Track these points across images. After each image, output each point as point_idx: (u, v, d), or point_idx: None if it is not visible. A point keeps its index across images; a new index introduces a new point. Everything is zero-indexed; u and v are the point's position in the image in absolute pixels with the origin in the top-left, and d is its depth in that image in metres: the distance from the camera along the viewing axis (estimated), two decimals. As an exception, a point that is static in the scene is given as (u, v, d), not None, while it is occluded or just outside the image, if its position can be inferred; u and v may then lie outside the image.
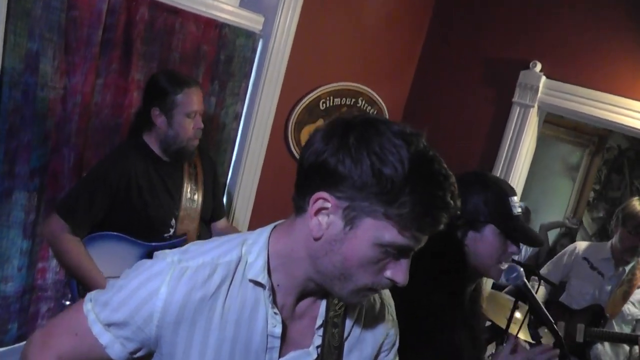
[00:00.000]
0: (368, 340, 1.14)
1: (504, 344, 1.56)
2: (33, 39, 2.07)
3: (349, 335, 1.10)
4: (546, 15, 3.27)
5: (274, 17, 2.76)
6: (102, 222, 2.10)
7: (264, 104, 2.89)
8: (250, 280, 1.00)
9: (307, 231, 0.95)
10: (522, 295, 1.56)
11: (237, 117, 2.88)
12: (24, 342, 2.35)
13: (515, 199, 1.49)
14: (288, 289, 1.03)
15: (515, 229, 1.47)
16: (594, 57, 3.10)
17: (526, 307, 2.28)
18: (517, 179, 3.41)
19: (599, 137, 5.15)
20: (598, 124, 3.17)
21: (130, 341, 1.02)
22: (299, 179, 0.97)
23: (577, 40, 3.16)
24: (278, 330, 1.02)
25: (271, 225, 1.06)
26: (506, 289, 4.35)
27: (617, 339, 2.90)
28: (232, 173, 2.99)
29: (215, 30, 2.61)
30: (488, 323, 2.83)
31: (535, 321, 1.59)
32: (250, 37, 2.76)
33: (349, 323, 1.10)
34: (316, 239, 0.94)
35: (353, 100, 3.38)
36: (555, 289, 3.04)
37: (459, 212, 0.94)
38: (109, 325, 1.02)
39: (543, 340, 1.64)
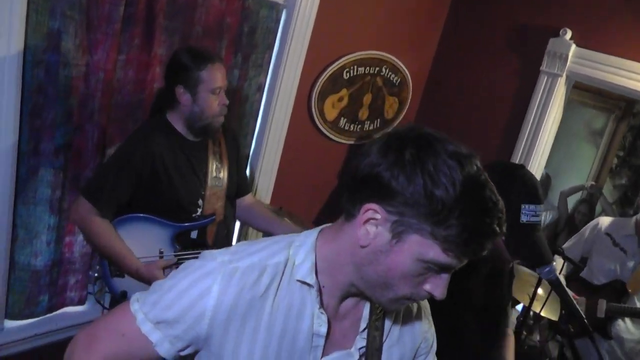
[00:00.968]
0: (406, 342, 1.17)
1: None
2: (55, 17, 2.03)
3: (387, 337, 1.13)
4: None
5: (297, -14, 2.68)
6: (129, 204, 2.10)
7: (287, 75, 2.84)
8: (298, 281, 1.03)
9: (354, 238, 0.97)
10: (554, 289, 1.55)
11: (260, 89, 2.84)
12: (54, 313, 2.47)
13: (532, 207, 1.47)
14: (332, 291, 1.06)
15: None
16: (626, 25, 2.97)
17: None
18: (542, 149, 3.36)
19: (626, 102, 5.01)
20: (629, 94, 3.07)
21: (179, 340, 1.04)
22: (351, 186, 0.98)
23: (609, 7, 3.03)
24: (324, 329, 1.05)
25: (318, 229, 1.09)
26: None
27: (638, 315, 2.90)
28: (255, 145, 2.98)
29: (238, 2, 2.54)
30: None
31: (566, 316, 1.58)
32: (273, 8, 2.68)
33: (387, 325, 1.13)
34: (362, 247, 0.97)
35: (377, 68, 3.31)
36: (578, 267, 3.01)
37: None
38: (158, 323, 1.04)
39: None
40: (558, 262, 2.89)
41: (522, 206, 1.44)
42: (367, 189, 0.93)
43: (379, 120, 3.56)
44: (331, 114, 3.22)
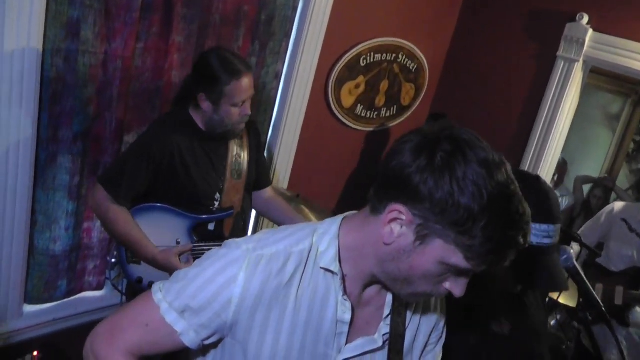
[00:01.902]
0: (422, 329, 1.19)
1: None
2: (74, 6, 2.03)
3: (409, 323, 1.15)
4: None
5: (315, -27, 2.66)
6: (147, 194, 2.11)
7: (304, 63, 2.83)
8: (322, 268, 1.04)
9: (378, 233, 0.98)
10: (571, 276, 1.54)
11: (278, 77, 2.84)
12: (72, 298, 2.50)
13: (545, 226, 1.30)
14: (355, 279, 1.07)
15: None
16: (644, 9, 2.94)
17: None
18: (559, 135, 3.34)
19: (643, 86, 4.96)
20: (647, 80, 3.04)
21: (205, 328, 1.04)
22: (380, 182, 0.99)
23: (626, -9, 2.99)
24: (348, 316, 1.05)
25: (341, 217, 1.10)
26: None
27: None
28: (272, 132, 2.98)
29: (256, -11, 2.53)
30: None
31: (584, 304, 1.58)
32: (291, -5, 2.67)
33: (408, 313, 1.15)
34: (386, 244, 0.97)
35: (394, 55, 3.28)
36: (595, 253, 3.00)
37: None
38: (184, 312, 1.04)
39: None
40: (575, 249, 2.88)
41: (532, 225, 1.29)
42: (396, 189, 0.93)
43: (395, 107, 3.54)
44: (348, 100, 3.21)
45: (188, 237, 2.14)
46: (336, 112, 3.17)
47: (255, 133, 2.36)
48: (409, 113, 3.68)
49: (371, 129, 3.50)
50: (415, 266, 0.95)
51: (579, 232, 3.24)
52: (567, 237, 2.64)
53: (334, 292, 1.05)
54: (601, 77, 4.82)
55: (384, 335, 1.10)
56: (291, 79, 2.84)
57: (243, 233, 2.39)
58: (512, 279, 1.40)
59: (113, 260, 2.34)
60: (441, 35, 3.65)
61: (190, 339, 1.05)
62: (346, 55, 3.02)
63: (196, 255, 2.10)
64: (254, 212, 2.75)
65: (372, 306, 1.11)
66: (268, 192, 2.47)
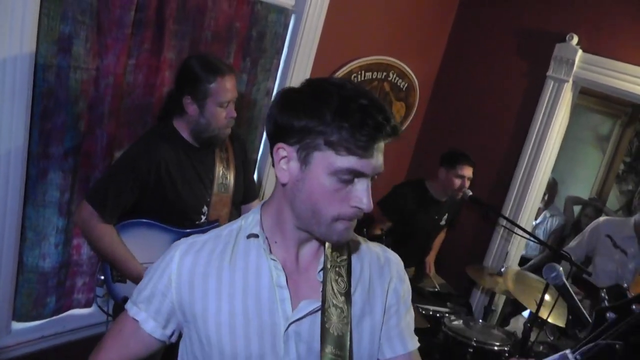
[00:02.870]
0: (377, 292, 1.23)
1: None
2: (66, 22, 2.05)
3: (357, 284, 1.20)
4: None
5: (305, -8, 2.70)
6: (133, 209, 2.10)
7: (295, 80, 2.85)
8: (248, 237, 1.15)
9: (278, 183, 1.12)
10: (561, 294, 1.54)
11: (269, 94, 2.85)
12: (61, 315, 2.47)
13: None
14: (285, 244, 1.15)
15: None
16: (632, 30, 2.99)
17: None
18: (549, 154, 3.37)
19: (632, 107, 5.01)
20: (636, 100, 3.07)
21: (159, 313, 1.16)
22: (269, 142, 1.13)
23: (616, 12, 3.04)
24: (282, 279, 1.12)
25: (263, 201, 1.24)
26: (530, 263, 4.35)
27: None
28: (262, 150, 2.99)
29: (247, 7, 2.56)
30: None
31: (573, 322, 1.58)
32: (282, 12, 2.70)
33: (355, 272, 1.20)
34: (284, 185, 1.10)
35: (384, 73, 3.32)
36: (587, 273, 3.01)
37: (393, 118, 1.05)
38: (141, 303, 1.17)
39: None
40: (564, 267, 2.89)
41: None
42: (274, 137, 1.09)
43: (385, 125, 3.56)
44: (338, 118, 3.22)
45: (175, 252, 2.13)
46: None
47: (240, 145, 2.37)
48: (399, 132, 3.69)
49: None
50: (312, 189, 1.05)
51: (565, 248, 3.26)
52: (557, 255, 2.65)
53: (264, 255, 1.13)
54: (591, 98, 4.88)
55: (321, 291, 1.15)
56: (282, 96, 2.85)
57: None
58: None
59: (102, 277, 2.32)
60: (432, 55, 3.70)
61: (151, 327, 1.16)
62: (337, 73, 3.05)
63: None
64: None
65: (311, 271, 1.18)
66: (255, 205, 2.46)
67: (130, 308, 1.18)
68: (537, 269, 3.57)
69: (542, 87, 3.30)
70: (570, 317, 1.59)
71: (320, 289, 1.14)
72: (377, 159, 1.05)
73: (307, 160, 1.05)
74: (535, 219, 4.63)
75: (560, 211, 4.96)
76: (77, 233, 2.41)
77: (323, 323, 1.11)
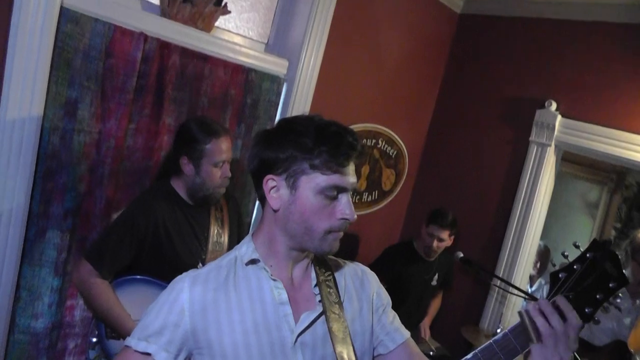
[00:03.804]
0: (363, 298, 1.39)
1: None
2: (73, 87, 2.18)
3: (345, 293, 1.36)
4: (559, 55, 3.34)
5: (297, 61, 2.88)
6: (130, 266, 2.14)
7: (287, 145, 2.95)
8: (247, 263, 1.27)
9: (270, 211, 1.25)
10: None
11: (262, 158, 2.94)
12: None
13: None
14: (280, 266, 1.28)
15: None
16: (608, 95, 3.14)
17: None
18: (537, 218, 3.43)
19: (617, 174, 5.13)
20: (615, 161, 3.18)
21: (171, 344, 1.20)
22: (253, 181, 1.28)
23: (591, 79, 3.21)
24: (284, 295, 1.25)
25: (251, 232, 1.35)
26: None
27: None
28: (256, 213, 3.05)
29: (242, 75, 2.72)
30: None
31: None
32: (275, 81, 2.86)
33: (341, 285, 1.36)
34: (276, 211, 1.24)
35: (373, 141, 3.45)
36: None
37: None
38: (150, 336, 1.20)
39: None
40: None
41: None
42: (261, 170, 1.24)
43: (376, 191, 3.66)
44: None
45: (169, 308, 2.15)
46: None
47: (234, 206, 2.44)
48: (390, 198, 3.79)
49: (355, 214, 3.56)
50: (303, 209, 1.21)
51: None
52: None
53: (264, 277, 1.26)
54: (577, 165, 5.02)
55: (319, 301, 1.29)
56: (275, 160, 2.95)
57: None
58: None
59: (94, 339, 2.31)
60: (419, 122, 3.86)
61: (163, 359, 1.19)
62: (328, 139, 3.16)
63: None
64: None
65: (305, 287, 1.31)
66: None
67: (137, 344, 1.21)
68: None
69: (526, 151, 3.42)
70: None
71: (316, 301, 1.30)
72: (353, 176, 1.24)
73: (295, 185, 1.21)
74: (531, 286, 4.62)
75: (555, 278, 4.94)
76: (72, 294, 2.42)
77: (330, 328, 1.26)
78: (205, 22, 2.55)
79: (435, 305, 3.66)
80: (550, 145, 3.32)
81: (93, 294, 2.07)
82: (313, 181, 1.20)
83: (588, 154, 3.31)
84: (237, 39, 2.82)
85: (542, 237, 3.90)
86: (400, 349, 1.39)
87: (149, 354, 1.19)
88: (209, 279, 1.24)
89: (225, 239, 2.33)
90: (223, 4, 2.60)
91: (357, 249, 3.70)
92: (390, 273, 3.25)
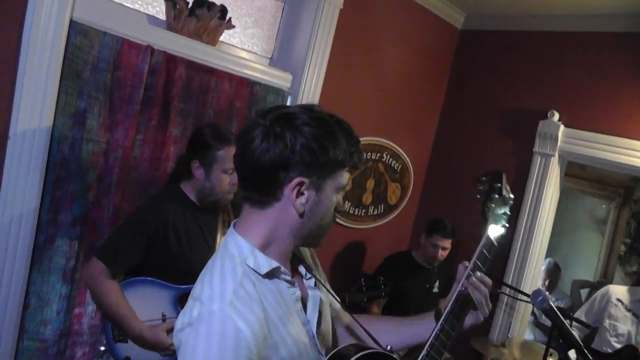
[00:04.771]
0: (323, 277, 1.46)
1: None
2: (82, 98, 2.26)
3: (318, 273, 1.42)
4: (560, 66, 3.39)
5: (301, 74, 2.95)
6: (138, 266, 2.18)
7: (292, 157, 3.00)
8: (266, 275, 1.19)
9: (286, 214, 1.19)
10: (548, 317, 1.59)
11: (267, 170, 3.00)
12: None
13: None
14: (281, 262, 1.24)
15: None
16: (610, 103, 3.17)
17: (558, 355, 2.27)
18: (543, 230, 3.43)
19: (624, 189, 5.12)
20: (619, 168, 3.19)
21: None
22: (257, 181, 1.19)
23: (592, 88, 3.24)
24: (299, 293, 1.25)
25: (230, 233, 1.30)
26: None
27: None
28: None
29: (247, 88, 2.79)
30: None
31: (564, 345, 1.60)
32: (279, 93, 2.94)
33: (312, 268, 1.39)
34: (301, 215, 1.18)
35: (378, 154, 3.49)
36: (588, 335, 3.00)
37: None
38: None
39: None
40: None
41: None
42: (282, 171, 1.14)
43: (382, 205, 3.69)
44: (335, 196, 3.35)
45: (174, 309, 2.17)
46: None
47: (240, 211, 2.47)
48: (396, 212, 3.81)
49: (358, 226, 3.59)
50: (325, 210, 1.20)
51: (574, 315, 3.24)
52: (561, 314, 2.64)
53: (282, 283, 1.22)
54: (583, 181, 5.01)
55: (314, 284, 1.33)
56: (280, 173, 3.00)
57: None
58: None
59: (102, 348, 2.34)
60: (423, 136, 3.90)
61: None
62: (332, 151, 3.20)
63: None
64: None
65: (296, 277, 1.30)
66: None
67: None
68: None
69: (530, 162, 3.44)
70: (560, 340, 1.60)
71: (307, 287, 1.32)
72: None
73: (321, 186, 1.17)
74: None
75: (567, 294, 4.91)
76: (80, 301, 2.46)
77: (331, 311, 1.35)
78: (210, 36, 2.63)
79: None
80: (554, 156, 3.34)
81: (102, 291, 2.10)
82: (337, 180, 1.19)
83: (592, 163, 3.33)
84: (242, 54, 2.90)
85: (551, 253, 3.89)
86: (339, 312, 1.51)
87: None
88: (245, 299, 1.12)
89: None
90: (227, 18, 2.69)
91: (364, 262, 3.71)
92: (392, 281, 3.25)
